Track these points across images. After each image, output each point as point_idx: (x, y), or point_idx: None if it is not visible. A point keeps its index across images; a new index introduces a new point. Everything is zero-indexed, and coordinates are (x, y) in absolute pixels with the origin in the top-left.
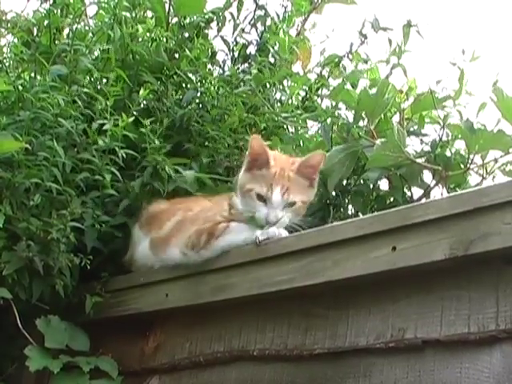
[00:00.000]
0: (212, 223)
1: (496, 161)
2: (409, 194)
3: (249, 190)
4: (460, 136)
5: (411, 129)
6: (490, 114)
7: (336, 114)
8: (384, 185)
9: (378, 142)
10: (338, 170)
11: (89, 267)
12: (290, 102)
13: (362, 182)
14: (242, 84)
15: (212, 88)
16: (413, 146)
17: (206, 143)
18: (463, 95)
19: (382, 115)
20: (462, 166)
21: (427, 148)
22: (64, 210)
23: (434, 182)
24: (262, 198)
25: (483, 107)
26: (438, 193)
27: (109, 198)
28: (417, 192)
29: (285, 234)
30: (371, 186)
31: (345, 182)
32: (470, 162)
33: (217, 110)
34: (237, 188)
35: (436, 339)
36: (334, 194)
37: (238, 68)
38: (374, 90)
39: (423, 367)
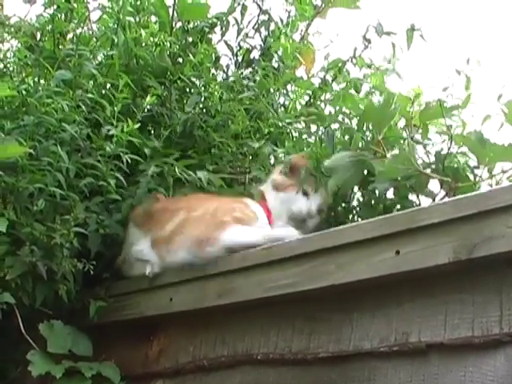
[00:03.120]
0: (219, 220)
1: (504, 172)
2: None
3: (291, 185)
4: (468, 147)
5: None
6: (493, 120)
7: (340, 118)
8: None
9: (388, 155)
10: (341, 173)
11: (92, 272)
12: (293, 107)
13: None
14: (245, 90)
15: (215, 94)
16: (420, 157)
17: (212, 150)
18: (470, 104)
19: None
20: (471, 176)
21: (432, 157)
22: (68, 215)
23: (442, 192)
24: (306, 193)
25: (488, 118)
26: None
27: (113, 204)
28: (424, 202)
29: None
30: (378, 197)
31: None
32: (480, 174)
33: (220, 115)
34: (271, 186)
35: (440, 343)
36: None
37: (242, 73)
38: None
39: (427, 371)
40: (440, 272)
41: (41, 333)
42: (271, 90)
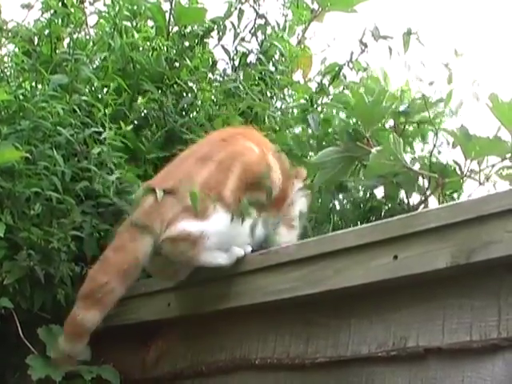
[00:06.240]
0: None
1: (492, 166)
2: (406, 201)
3: None
4: (454, 142)
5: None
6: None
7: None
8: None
9: (373, 150)
10: (328, 168)
11: None
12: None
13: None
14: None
15: (207, 94)
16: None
17: None
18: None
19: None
20: (458, 172)
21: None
22: (64, 219)
23: (429, 189)
24: None
25: (460, 105)
26: (435, 200)
27: (106, 207)
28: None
29: None
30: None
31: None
32: (466, 168)
33: (204, 115)
34: None
35: (438, 347)
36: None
37: (238, 76)
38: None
39: (425, 376)
40: (438, 277)
41: (39, 337)
42: (268, 94)
